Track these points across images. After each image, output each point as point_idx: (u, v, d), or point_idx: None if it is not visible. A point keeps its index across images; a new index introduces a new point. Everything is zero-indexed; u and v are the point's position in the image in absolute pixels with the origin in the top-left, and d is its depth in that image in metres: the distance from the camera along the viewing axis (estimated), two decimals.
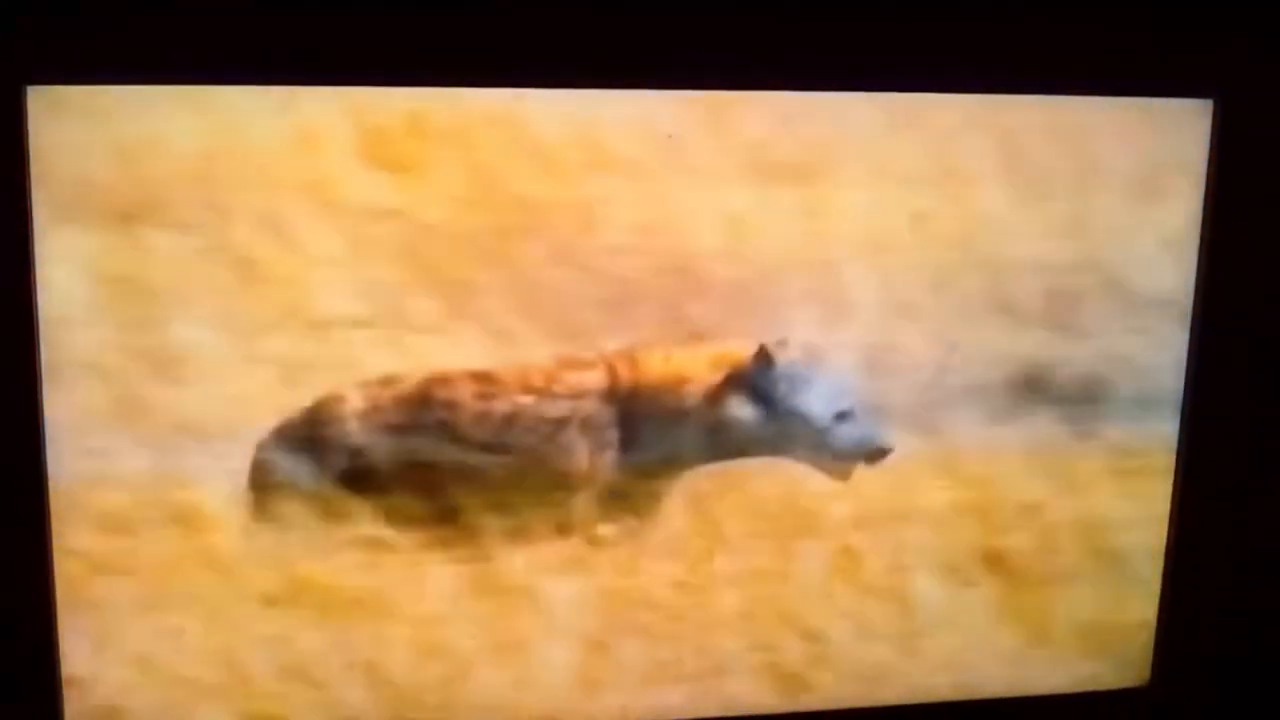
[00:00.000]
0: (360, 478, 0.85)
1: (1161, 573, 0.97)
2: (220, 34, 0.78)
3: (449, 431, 0.85)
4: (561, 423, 0.86)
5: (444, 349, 0.84)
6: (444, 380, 0.85)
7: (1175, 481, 0.96)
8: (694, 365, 0.87)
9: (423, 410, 0.85)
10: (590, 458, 0.87)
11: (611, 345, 0.86)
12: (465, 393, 0.85)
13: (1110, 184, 0.90)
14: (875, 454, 0.90)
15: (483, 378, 0.85)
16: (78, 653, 0.84)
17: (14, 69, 0.77)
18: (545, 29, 0.81)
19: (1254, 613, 0.99)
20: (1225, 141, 0.90)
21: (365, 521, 0.85)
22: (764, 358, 0.87)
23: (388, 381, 0.84)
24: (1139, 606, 0.97)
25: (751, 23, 0.83)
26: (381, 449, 0.84)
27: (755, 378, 0.88)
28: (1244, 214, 0.91)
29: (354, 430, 0.84)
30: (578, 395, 0.86)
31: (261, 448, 0.83)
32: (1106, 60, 0.87)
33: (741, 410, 0.88)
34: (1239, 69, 0.89)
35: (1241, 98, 0.89)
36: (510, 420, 0.86)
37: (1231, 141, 0.90)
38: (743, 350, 0.88)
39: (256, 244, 0.81)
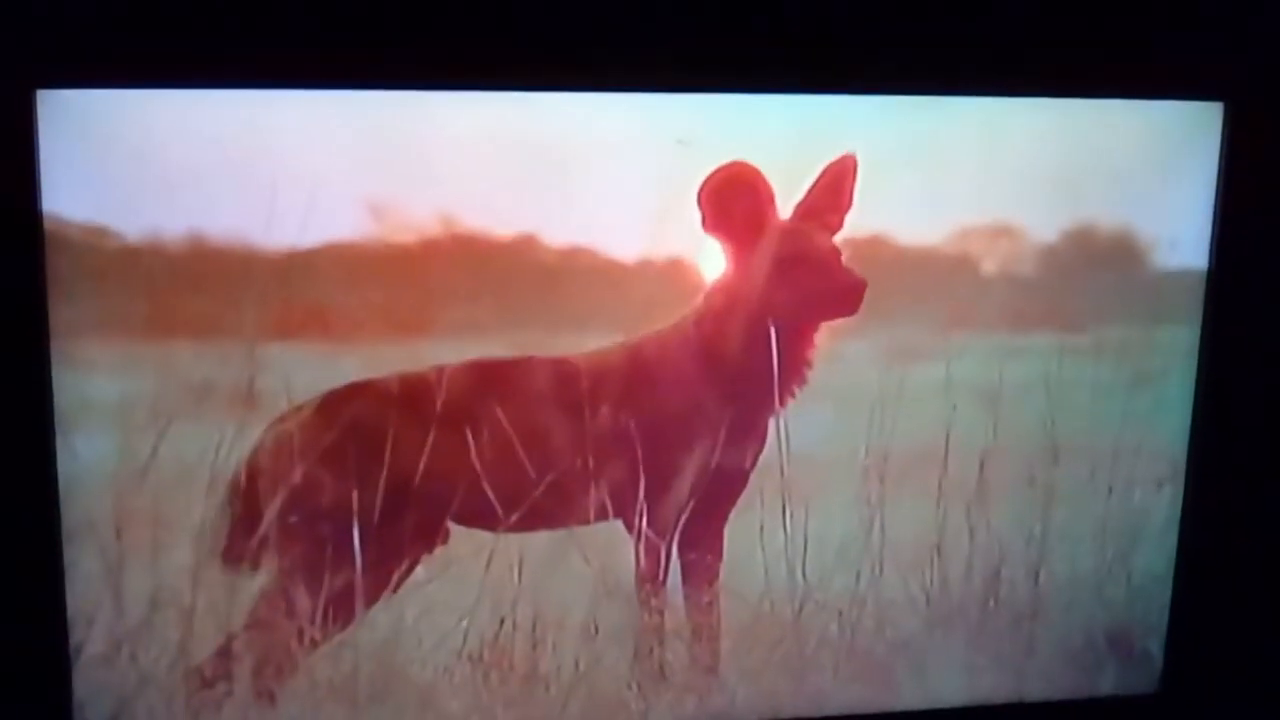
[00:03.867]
0: None
1: (1172, 579, 0.97)
2: (229, 37, 0.78)
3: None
4: None
5: None
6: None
7: (1185, 489, 0.95)
8: None
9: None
10: None
11: None
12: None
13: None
14: None
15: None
16: None
17: (24, 73, 0.77)
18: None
19: (1263, 619, 0.99)
20: (1235, 143, 0.90)
21: None
22: None
23: None
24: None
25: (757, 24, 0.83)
26: None
27: None
28: (1253, 213, 0.91)
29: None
30: None
31: None
32: (1119, 64, 0.88)
33: None
34: (1249, 72, 0.89)
35: (1251, 100, 0.89)
36: None
37: (1241, 143, 0.90)
38: None
39: None
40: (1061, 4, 0.86)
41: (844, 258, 0.88)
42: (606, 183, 0.84)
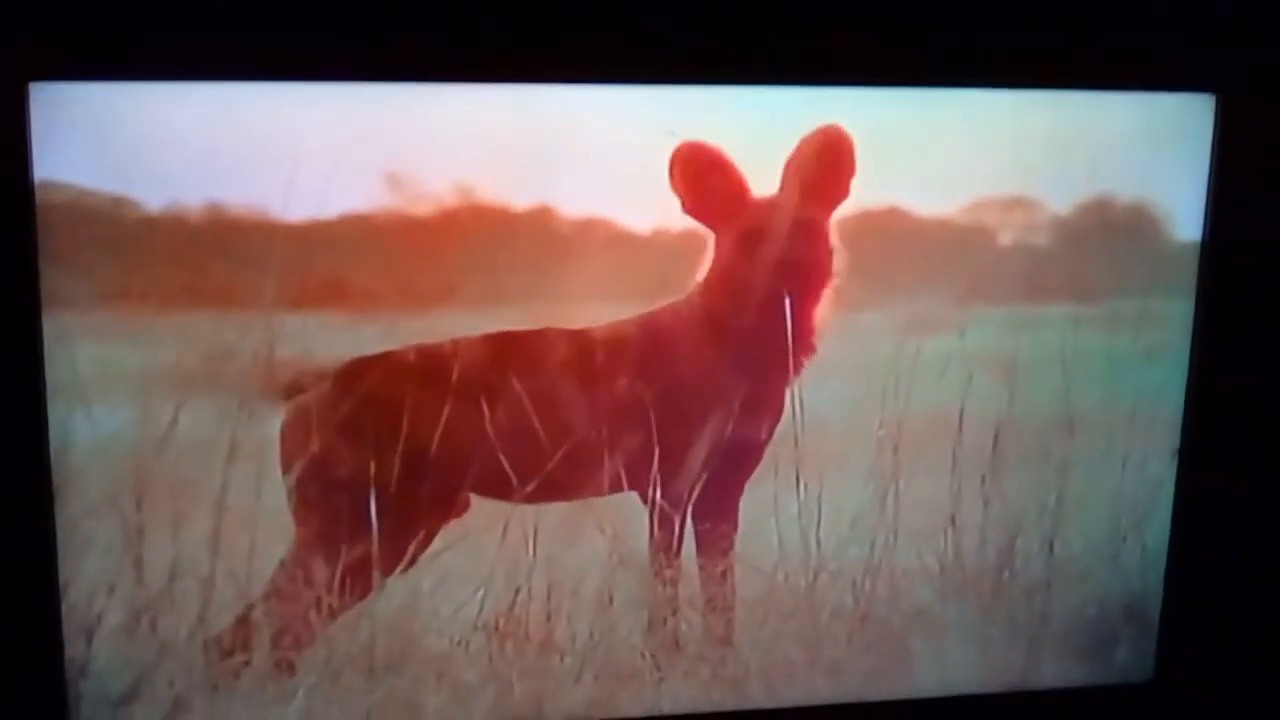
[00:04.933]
0: None
1: (1165, 568, 0.97)
2: (224, 31, 0.78)
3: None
4: None
5: None
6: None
7: (1179, 476, 0.95)
8: None
9: None
10: None
11: None
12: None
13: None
14: None
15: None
16: None
17: (17, 66, 0.77)
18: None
19: (1257, 608, 0.99)
20: (1227, 135, 0.90)
21: None
22: None
23: None
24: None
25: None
26: None
27: None
28: (1246, 206, 0.91)
29: None
30: None
31: None
32: (1111, 56, 0.87)
33: None
34: (1241, 64, 0.89)
35: (1243, 92, 0.89)
36: None
37: (1233, 135, 0.90)
38: None
39: None
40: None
41: (831, 228, 0.88)
42: (617, 159, 0.84)
